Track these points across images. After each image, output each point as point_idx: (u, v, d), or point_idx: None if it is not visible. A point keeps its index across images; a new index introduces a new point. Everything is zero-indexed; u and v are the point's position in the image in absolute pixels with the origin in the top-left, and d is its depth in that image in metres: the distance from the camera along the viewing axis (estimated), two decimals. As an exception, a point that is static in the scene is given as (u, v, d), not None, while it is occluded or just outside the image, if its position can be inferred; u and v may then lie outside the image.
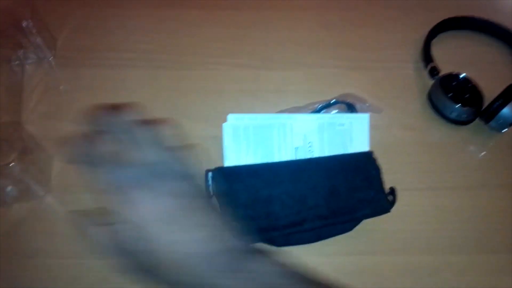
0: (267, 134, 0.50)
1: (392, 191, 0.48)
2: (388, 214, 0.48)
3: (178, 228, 0.30)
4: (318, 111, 0.53)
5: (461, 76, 0.55)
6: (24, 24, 0.51)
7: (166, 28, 0.60)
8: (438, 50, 0.59)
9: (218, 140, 0.51)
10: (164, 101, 0.55)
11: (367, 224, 0.49)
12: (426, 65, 0.58)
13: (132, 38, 0.59)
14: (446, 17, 0.62)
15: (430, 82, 0.56)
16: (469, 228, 0.49)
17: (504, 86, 0.52)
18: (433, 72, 0.56)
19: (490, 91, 0.53)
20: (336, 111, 0.53)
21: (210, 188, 0.47)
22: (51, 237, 0.47)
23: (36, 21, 0.52)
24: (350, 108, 0.54)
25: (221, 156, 0.50)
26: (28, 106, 0.53)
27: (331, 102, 0.54)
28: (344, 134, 0.52)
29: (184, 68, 0.57)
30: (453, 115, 0.54)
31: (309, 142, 0.51)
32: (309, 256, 0.47)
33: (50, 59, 0.56)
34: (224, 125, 0.50)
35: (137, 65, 0.57)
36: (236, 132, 0.50)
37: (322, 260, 0.47)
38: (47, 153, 0.50)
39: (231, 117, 0.50)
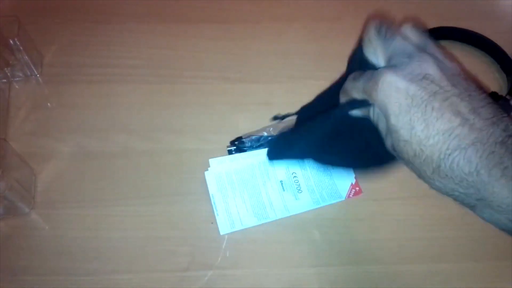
0: (250, 174, 0.51)
1: None
2: (373, 223, 0.49)
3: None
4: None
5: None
6: (11, 41, 0.51)
7: (153, 43, 0.61)
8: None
9: (204, 153, 0.51)
10: (151, 115, 0.55)
11: (351, 234, 0.49)
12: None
13: (119, 53, 0.59)
14: (429, 27, 0.63)
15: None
16: (455, 236, 0.50)
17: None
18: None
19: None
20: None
21: None
22: (35, 254, 0.46)
23: (23, 38, 0.52)
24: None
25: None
26: (14, 123, 0.53)
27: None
28: (324, 159, 0.52)
29: (171, 82, 0.58)
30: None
31: (293, 173, 0.52)
32: (288, 268, 0.47)
33: (37, 76, 0.56)
34: (206, 173, 0.50)
35: (125, 80, 0.57)
36: (218, 178, 0.51)
37: (302, 270, 0.47)
38: (32, 170, 0.50)
39: (212, 162, 0.51)
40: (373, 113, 0.33)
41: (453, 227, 0.50)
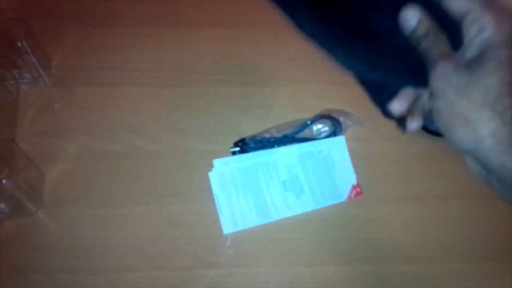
0: (253, 175, 0.52)
1: None
2: (373, 223, 0.49)
3: None
4: (303, 127, 0.55)
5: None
6: (19, 43, 0.52)
7: (160, 46, 0.61)
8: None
9: (208, 154, 0.52)
10: (157, 117, 0.56)
11: (352, 234, 0.50)
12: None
13: (126, 56, 0.60)
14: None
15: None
16: (449, 237, 0.50)
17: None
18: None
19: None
20: (321, 126, 0.55)
21: None
22: (42, 253, 0.47)
23: (31, 40, 0.53)
24: (334, 122, 0.55)
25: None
26: (22, 124, 0.54)
27: (315, 118, 0.55)
28: (326, 160, 0.54)
29: (176, 85, 0.59)
30: (433, 127, 0.54)
31: (295, 174, 0.53)
32: (289, 267, 0.48)
33: (45, 78, 0.57)
34: (210, 173, 0.52)
35: (131, 82, 0.58)
36: (222, 179, 0.52)
37: (304, 269, 0.48)
38: (39, 170, 0.51)
39: (216, 162, 0.52)
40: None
41: (454, 228, 0.51)
